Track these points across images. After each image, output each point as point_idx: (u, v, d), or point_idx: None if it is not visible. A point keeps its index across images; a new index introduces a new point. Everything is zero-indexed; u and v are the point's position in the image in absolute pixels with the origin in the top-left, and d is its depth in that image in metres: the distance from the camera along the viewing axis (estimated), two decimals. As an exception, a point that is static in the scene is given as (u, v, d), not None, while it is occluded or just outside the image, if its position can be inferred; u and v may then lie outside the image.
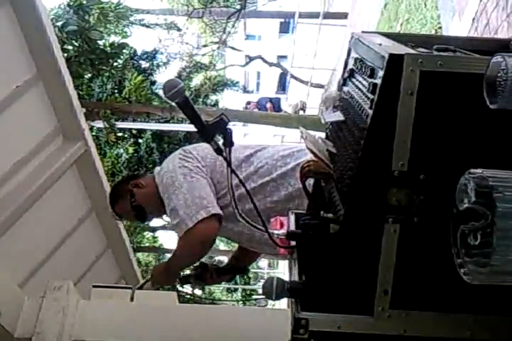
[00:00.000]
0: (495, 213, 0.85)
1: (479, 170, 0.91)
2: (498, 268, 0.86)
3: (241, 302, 14.78)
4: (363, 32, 1.75)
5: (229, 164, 1.77)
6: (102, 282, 2.69)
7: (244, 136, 11.66)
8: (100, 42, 7.82)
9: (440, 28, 6.76)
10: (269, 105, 16.70)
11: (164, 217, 2.77)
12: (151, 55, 10.40)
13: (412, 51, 1.30)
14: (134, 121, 9.24)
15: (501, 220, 0.85)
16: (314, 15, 16.70)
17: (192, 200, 2.35)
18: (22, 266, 3.10)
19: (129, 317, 2.23)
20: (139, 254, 12.60)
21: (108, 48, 7.80)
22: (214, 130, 1.76)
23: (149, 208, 2.62)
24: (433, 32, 6.86)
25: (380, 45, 1.40)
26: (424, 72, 1.22)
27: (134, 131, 10.01)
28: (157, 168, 2.61)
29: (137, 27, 10.92)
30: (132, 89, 8.73)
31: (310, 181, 1.83)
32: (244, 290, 19.61)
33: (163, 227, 11.93)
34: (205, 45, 15.56)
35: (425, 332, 1.33)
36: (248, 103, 16.90)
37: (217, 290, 20.03)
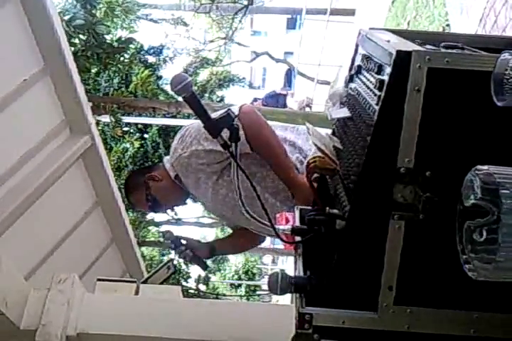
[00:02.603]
0: (501, 209, 0.85)
1: (485, 167, 0.91)
2: (504, 264, 0.86)
3: (245, 297, 14.80)
4: (370, 28, 1.75)
5: (235, 159, 1.78)
6: (106, 275, 2.70)
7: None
8: (107, 37, 7.81)
9: (448, 25, 6.74)
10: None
11: (169, 211, 2.79)
12: (157, 50, 10.40)
13: (419, 48, 1.30)
14: (140, 115, 9.25)
15: (507, 216, 0.85)
16: (322, 12, 16.67)
17: None
18: (28, 259, 3.11)
19: (133, 311, 2.24)
20: (144, 248, 12.63)
21: (115, 43, 7.79)
22: (221, 125, 1.77)
23: (164, 200, 2.66)
24: (441, 29, 6.85)
25: (388, 41, 1.40)
26: (431, 69, 1.21)
27: (140, 126, 10.01)
28: (166, 158, 2.64)
29: (144, 22, 10.92)
30: (139, 83, 8.72)
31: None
32: (248, 285, 19.65)
33: (168, 222, 11.95)
34: (211, 41, 15.54)
35: (429, 328, 1.33)
36: (255, 100, 16.87)
37: (222, 285, 20.08)
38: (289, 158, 2.40)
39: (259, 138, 2.35)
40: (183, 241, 2.72)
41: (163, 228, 12.69)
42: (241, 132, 2.27)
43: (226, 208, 2.53)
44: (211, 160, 2.36)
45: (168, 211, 2.80)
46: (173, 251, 2.80)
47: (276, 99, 16.57)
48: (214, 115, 1.81)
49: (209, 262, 2.93)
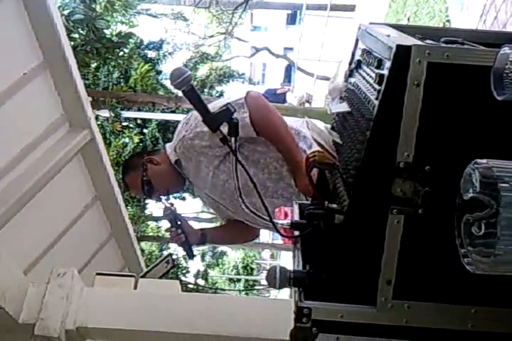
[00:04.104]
0: (500, 203, 0.85)
1: (484, 161, 0.91)
2: (502, 258, 0.86)
3: (243, 292, 14.83)
4: (370, 23, 1.75)
5: (234, 153, 1.77)
6: (105, 270, 2.71)
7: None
8: (107, 32, 7.80)
9: (448, 21, 6.74)
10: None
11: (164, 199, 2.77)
12: (157, 45, 10.39)
13: (419, 42, 1.30)
14: (139, 110, 9.24)
15: (506, 210, 0.85)
16: (322, 7, 16.65)
17: None
18: (27, 253, 3.11)
19: (132, 305, 2.25)
20: (143, 243, 12.64)
21: (114, 37, 7.79)
22: (220, 119, 1.77)
23: (158, 185, 2.66)
24: (441, 25, 6.84)
25: (388, 36, 1.40)
26: (431, 64, 1.21)
27: (139, 121, 10.00)
28: (168, 144, 2.64)
29: (144, 16, 10.90)
30: (138, 78, 8.73)
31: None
32: (247, 280, 19.67)
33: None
34: (211, 36, 15.53)
35: (427, 323, 1.34)
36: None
37: (220, 280, 20.11)
38: (296, 142, 2.42)
39: (266, 121, 2.38)
40: (179, 222, 2.71)
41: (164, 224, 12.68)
42: (245, 115, 2.28)
43: (225, 195, 2.53)
44: (214, 143, 2.37)
45: (163, 200, 2.77)
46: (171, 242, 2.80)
47: (276, 96, 16.57)
48: (213, 109, 1.81)
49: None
